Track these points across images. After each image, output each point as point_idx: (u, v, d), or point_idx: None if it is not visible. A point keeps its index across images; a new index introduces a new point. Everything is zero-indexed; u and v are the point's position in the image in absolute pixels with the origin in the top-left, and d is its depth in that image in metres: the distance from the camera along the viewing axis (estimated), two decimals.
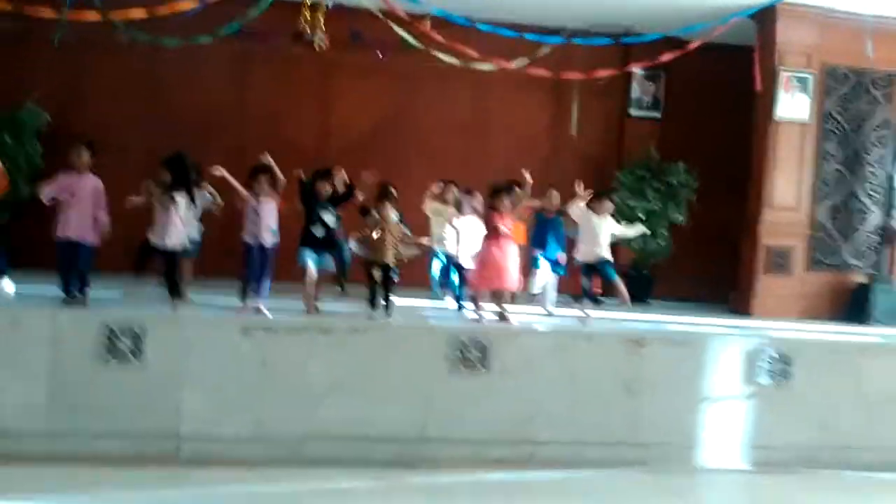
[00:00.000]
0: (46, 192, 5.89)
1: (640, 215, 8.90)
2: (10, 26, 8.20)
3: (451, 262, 7.62)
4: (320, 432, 5.59)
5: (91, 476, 4.89)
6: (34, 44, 8.44)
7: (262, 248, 6.16)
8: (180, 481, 5.00)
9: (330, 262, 6.40)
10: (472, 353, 5.84)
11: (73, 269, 5.81)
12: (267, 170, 6.18)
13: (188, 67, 8.98)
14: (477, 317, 6.52)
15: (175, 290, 5.94)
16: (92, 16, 7.15)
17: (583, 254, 6.97)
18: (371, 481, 5.25)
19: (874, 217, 8.93)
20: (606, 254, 6.89)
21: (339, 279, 7.23)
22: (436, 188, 7.57)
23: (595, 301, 8.51)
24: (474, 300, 7.16)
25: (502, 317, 6.51)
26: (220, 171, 6.24)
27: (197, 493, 4.89)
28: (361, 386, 5.68)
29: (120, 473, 4.99)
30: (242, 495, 4.91)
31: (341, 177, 6.64)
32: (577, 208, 6.93)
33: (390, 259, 6.26)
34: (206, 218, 7.59)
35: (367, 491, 5.14)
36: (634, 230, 7.52)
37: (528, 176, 6.61)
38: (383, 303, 6.26)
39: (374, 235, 6.21)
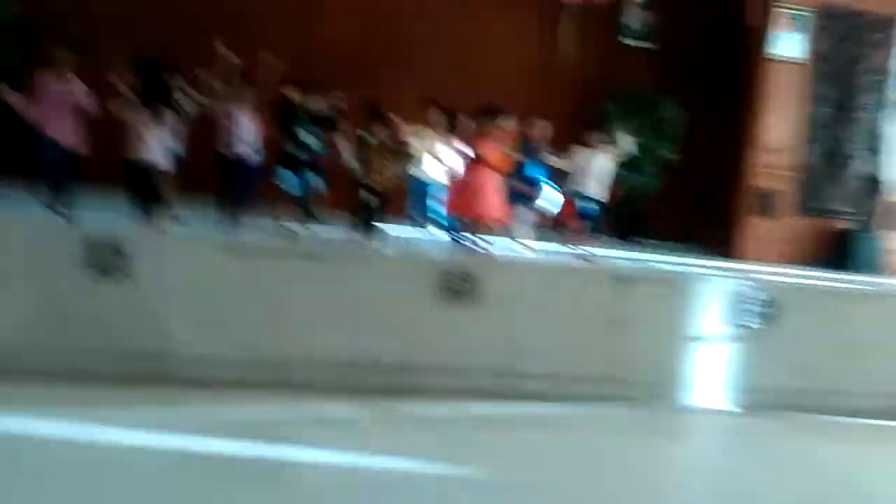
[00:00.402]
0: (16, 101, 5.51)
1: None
2: None
3: (430, 188, 7.50)
4: (307, 357, 5.50)
5: (76, 395, 4.77)
6: None
7: (241, 161, 5.88)
8: (167, 401, 4.91)
9: (318, 182, 6.13)
10: (457, 284, 5.75)
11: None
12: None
13: None
14: (463, 243, 6.41)
15: (157, 207, 5.70)
16: None
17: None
18: (356, 409, 5.21)
19: (861, 164, 8.93)
20: (596, 192, 6.76)
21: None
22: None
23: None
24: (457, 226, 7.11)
25: (481, 245, 6.41)
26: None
27: (184, 414, 4.81)
28: (348, 312, 5.58)
29: (107, 393, 4.87)
30: (229, 418, 4.84)
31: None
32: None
33: (380, 181, 6.07)
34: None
35: (352, 419, 5.11)
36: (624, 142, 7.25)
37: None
38: (371, 228, 6.12)
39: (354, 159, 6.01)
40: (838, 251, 8.69)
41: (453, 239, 7.26)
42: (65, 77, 5.53)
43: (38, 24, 7.87)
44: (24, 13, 8.04)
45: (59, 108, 5.48)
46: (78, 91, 5.52)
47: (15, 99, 5.52)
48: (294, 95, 5.89)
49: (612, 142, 7.06)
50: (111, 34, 8.04)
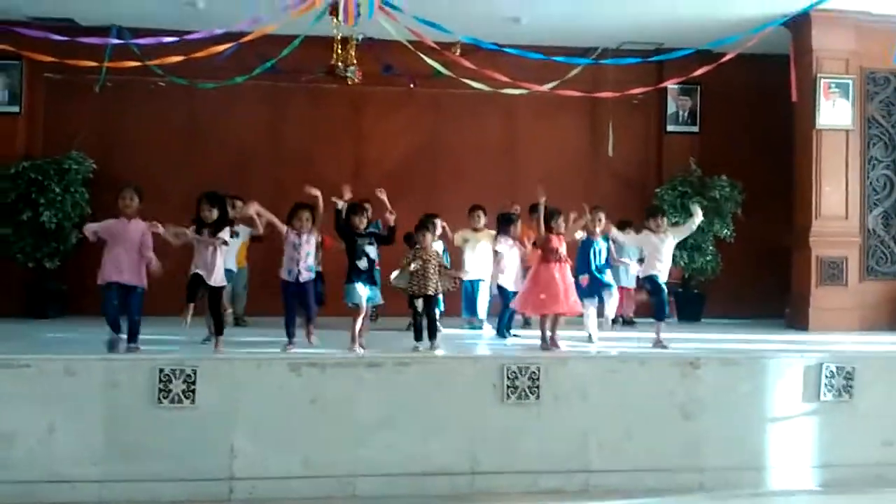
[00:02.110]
0: (90, 226, 5.90)
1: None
2: (54, 77, 8.46)
3: (478, 290, 7.61)
4: (371, 468, 5.52)
5: None
6: (78, 93, 8.71)
7: (298, 283, 6.11)
8: None
9: (377, 296, 6.30)
10: (521, 382, 5.73)
11: (120, 314, 5.82)
12: (307, 206, 6.17)
13: (224, 108, 9.15)
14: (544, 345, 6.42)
15: (220, 327, 5.95)
16: (131, 63, 7.31)
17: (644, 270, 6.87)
18: None
19: None
20: (663, 273, 6.72)
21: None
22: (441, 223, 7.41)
23: (628, 323, 8.43)
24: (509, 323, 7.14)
25: (553, 343, 6.41)
26: (255, 207, 6.27)
27: None
28: (410, 420, 5.61)
29: None
30: None
31: (384, 203, 6.52)
32: (630, 235, 6.82)
33: (432, 289, 6.20)
34: (253, 255, 7.71)
35: None
36: (696, 217, 7.19)
37: (585, 206, 6.74)
38: (427, 334, 6.20)
39: (412, 267, 6.16)
40: None
41: (514, 336, 7.28)
42: (134, 219, 5.90)
43: (105, 177, 8.57)
44: (95, 169, 8.72)
45: (129, 248, 5.82)
46: (145, 231, 5.86)
47: (90, 227, 5.92)
48: (360, 222, 6.18)
49: (671, 224, 7.05)
50: (176, 181, 8.72)
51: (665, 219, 6.95)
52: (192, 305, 5.81)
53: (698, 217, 6.80)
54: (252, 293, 8.12)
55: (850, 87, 8.50)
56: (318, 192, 6.13)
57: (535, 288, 6.51)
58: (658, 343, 6.52)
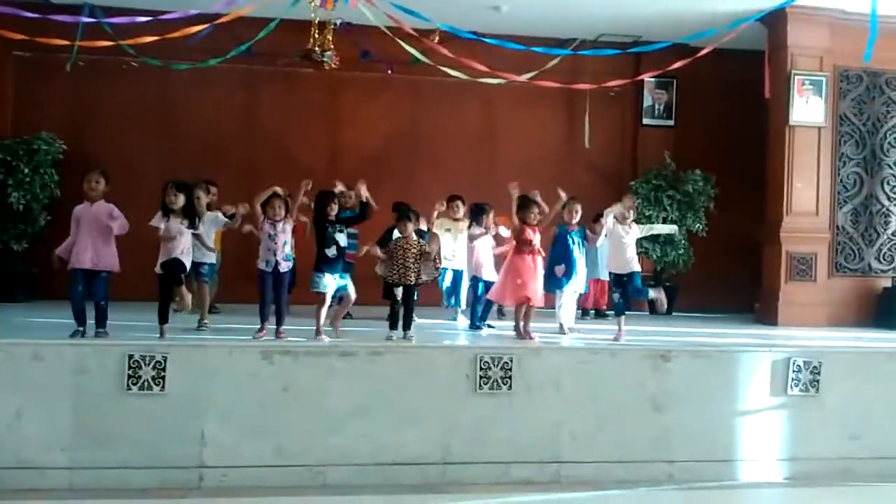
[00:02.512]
0: (64, 247, 5.79)
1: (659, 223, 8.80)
2: (24, 55, 8.27)
3: (460, 280, 7.61)
4: (342, 457, 5.50)
5: None
6: (48, 72, 8.53)
7: (277, 272, 6.07)
8: None
9: (348, 285, 6.27)
10: (493, 372, 5.74)
11: (87, 300, 5.72)
12: (280, 195, 6.11)
13: (198, 90, 9.03)
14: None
15: (165, 316, 5.88)
16: (104, 42, 7.17)
17: (613, 266, 6.84)
18: None
19: None
20: (635, 265, 6.75)
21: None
22: (439, 206, 7.50)
23: (601, 315, 8.52)
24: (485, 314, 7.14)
25: (527, 333, 6.44)
26: (243, 208, 6.20)
27: None
28: (383, 409, 5.60)
29: None
30: None
31: (352, 191, 6.49)
32: (608, 220, 6.82)
33: (412, 279, 6.18)
34: (227, 241, 7.62)
35: None
36: (667, 228, 7.30)
37: (561, 193, 6.69)
38: (402, 324, 6.19)
39: (381, 255, 6.15)
40: (882, 309, 8.47)
41: (488, 326, 7.30)
42: (98, 202, 5.80)
43: (76, 158, 8.40)
44: (66, 151, 8.56)
45: (95, 232, 5.73)
46: (110, 212, 5.78)
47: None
48: (332, 209, 6.12)
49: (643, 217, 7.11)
50: (149, 163, 8.60)
51: (578, 206, 7.10)
52: (182, 288, 5.78)
53: (666, 230, 6.88)
54: (225, 280, 8.03)
55: (824, 84, 8.60)
56: (280, 191, 6.09)
57: (510, 276, 6.55)
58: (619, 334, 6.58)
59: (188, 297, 6.00)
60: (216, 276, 7.99)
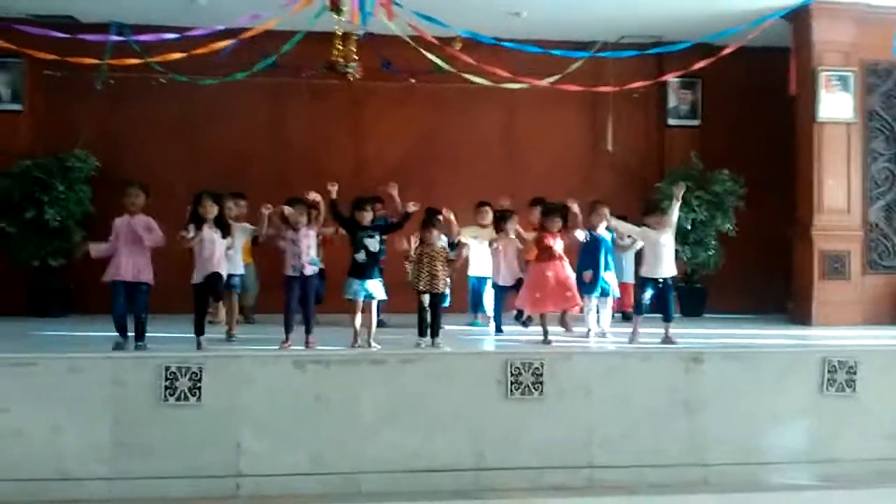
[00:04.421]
0: (100, 249, 5.89)
1: (686, 226, 8.72)
2: (55, 74, 8.44)
3: (492, 286, 7.61)
4: (375, 465, 5.54)
5: None
6: (79, 91, 8.69)
7: (303, 278, 6.12)
8: None
9: (380, 290, 6.27)
10: (524, 377, 5.75)
11: (128, 313, 5.82)
12: (300, 200, 6.15)
13: (225, 104, 9.14)
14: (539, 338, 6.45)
15: (200, 327, 5.93)
16: (132, 60, 7.30)
17: (647, 271, 6.72)
18: None
19: None
20: (670, 270, 6.66)
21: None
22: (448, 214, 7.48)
23: (628, 318, 8.41)
24: (523, 320, 7.12)
25: (564, 326, 6.44)
26: (266, 209, 6.25)
27: None
28: (415, 416, 5.63)
29: None
30: None
31: (394, 197, 6.52)
32: (634, 228, 6.77)
33: (441, 287, 6.21)
34: (258, 252, 7.70)
35: None
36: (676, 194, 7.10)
37: (574, 207, 6.67)
38: (430, 331, 6.21)
39: (408, 264, 6.18)
40: None
41: (520, 323, 7.28)
42: (137, 215, 5.90)
43: (109, 174, 8.56)
44: (99, 167, 8.71)
45: (134, 245, 5.83)
46: (149, 225, 5.87)
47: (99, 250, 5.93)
48: (364, 217, 6.17)
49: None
50: (179, 177, 8.72)
51: (665, 216, 6.76)
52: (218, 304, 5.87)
53: (678, 195, 6.69)
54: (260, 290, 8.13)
55: (851, 79, 8.48)
56: (318, 197, 6.14)
57: (530, 286, 6.60)
58: (667, 339, 6.51)
59: (222, 311, 6.08)
60: (257, 286, 8.09)
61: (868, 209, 8.62)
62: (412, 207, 6.24)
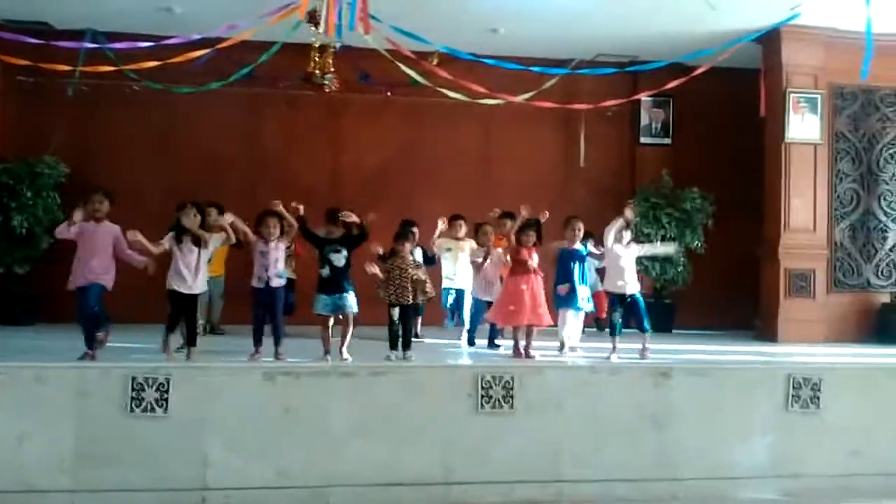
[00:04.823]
0: (62, 229, 5.84)
1: (656, 242, 8.82)
2: (27, 80, 8.35)
3: (462, 298, 7.64)
4: (344, 478, 5.51)
5: None
6: (51, 97, 8.60)
7: (269, 290, 6.09)
8: None
9: (346, 304, 6.21)
10: (495, 391, 5.76)
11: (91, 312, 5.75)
12: (274, 213, 6.14)
13: (200, 113, 9.09)
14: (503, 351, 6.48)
15: (193, 337, 5.91)
16: (106, 67, 7.25)
17: (611, 286, 6.84)
18: None
19: (893, 234, 8.89)
20: (634, 286, 6.76)
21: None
22: (442, 225, 7.54)
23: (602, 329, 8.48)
24: (493, 335, 7.15)
25: (525, 353, 6.45)
26: (230, 218, 6.22)
27: None
28: (385, 429, 5.61)
29: None
30: None
31: (352, 219, 6.51)
32: (609, 239, 6.83)
33: (408, 298, 6.21)
34: (228, 263, 7.65)
35: None
36: (665, 248, 7.34)
37: (523, 211, 6.64)
38: (402, 343, 6.20)
39: (381, 275, 6.17)
40: (882, 325, 8.50)
41: (490, 346, 7.31)
42: (103, 222, 5.86)
43: (79, 181, 8.42)
44: (68, 174, 8.60)
45: (99, 252, 5.78)
46: (116, 234, 5.83)
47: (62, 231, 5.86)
48: (330, 231, 6.17)
49: (643, 235, 7.10)
50: (151, 185, 8.67)
51: (580, 224, 6.89)
52: (170, 336, 5.83)
53: (666, 249, 6.83)
54: (227, 302, 8.07)
55: (819, 101, 8.68)
56: (281, 208, 6.10)
57: (504, 300, 6.62)
58: (643, 351, 6.60)
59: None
60: (222, 300, 8.04)
61: (833, 229, 8.81)
62: (371, 217, 6.22)
